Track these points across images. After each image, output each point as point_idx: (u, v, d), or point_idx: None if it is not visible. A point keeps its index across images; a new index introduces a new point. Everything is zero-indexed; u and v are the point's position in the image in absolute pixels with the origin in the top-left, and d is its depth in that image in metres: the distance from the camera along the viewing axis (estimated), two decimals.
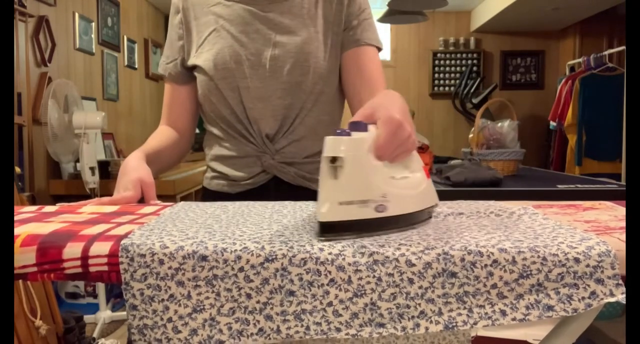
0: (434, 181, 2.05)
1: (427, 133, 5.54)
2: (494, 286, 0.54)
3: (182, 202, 0.87)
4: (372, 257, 0.54)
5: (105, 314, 2.69)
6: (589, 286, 0.53)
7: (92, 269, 0.55)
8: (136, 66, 4.41)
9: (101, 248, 0.55)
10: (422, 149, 2.24)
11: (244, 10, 1.03)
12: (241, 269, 0.53)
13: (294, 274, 0.53)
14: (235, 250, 0.54)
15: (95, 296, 2.87)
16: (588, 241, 0.56)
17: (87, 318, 2.48)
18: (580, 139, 4.24)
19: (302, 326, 0.53)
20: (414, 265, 0.53)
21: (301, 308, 0.53)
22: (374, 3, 4.54)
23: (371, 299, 0.53)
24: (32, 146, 2.78)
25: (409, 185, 0.66)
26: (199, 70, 1.05)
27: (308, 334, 0.53)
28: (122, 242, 0.55)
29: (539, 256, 0.54)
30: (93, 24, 3.59)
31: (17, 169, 2.44)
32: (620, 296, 0.53)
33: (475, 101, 5.26)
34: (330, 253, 0.54)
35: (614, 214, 0.75)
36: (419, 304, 0.53)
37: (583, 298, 0.53)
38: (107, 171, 3.00)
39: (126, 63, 4.18)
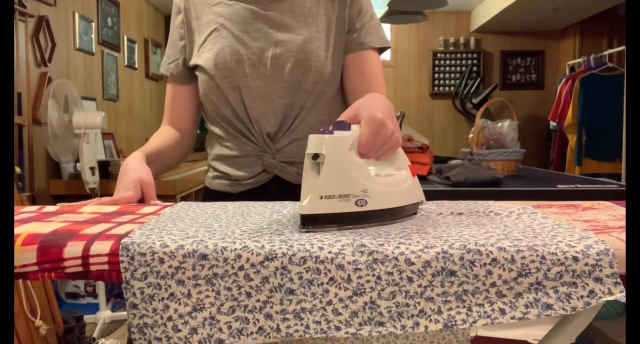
0: (434, 181, 2.05)
1: (427, 133, 5.53)
2: (493, 284, 0.54)
3: (182, 202, 0.87)
4: (371, 255, 0.54)
5: (105, 314, 2.69)
6: (587, 284, 0.53)
7: (92, 268, 0.55)
8: (136, 66, 4.41)
9: (102, 247, 0.55)
10: (422, 149, 2.24)
11: (245, 9, 1.03)
12: (241, 268, 0.54)
13: (293, 273, 0.53)
14: (235, 249, 0.54)
15: (95, 296, 2.87)
16: (587, 239, 0.56)
17: (87, 318, 2.48)
18: (580, 139, 4.24)
19: (301, 324, 0.53)
20: (413, 264, 0.54)
21: (301, 307, 0.53)
22: (374, 3, 4.53)
23: (371, 297, 0.53)
24: (32, 146, 2.78)
25: (393, 182, 0.70)
26: (200, 69, 1.06)
27: (308, 333, 0.53)
28: (123, 241, 0.56)
29: (537, 255, 0.54)
30: (93, 24, 3.59)
31: (17, 169, 2.44)
32: (618, 295, 0.53)
33: (475, 101, 5.27)
34: (330, 252, 0.54)
35: (613, 213, 0.75)
36: (419, 303, 0.53)
37: (582, 297, 0.53)
38: (107, 171, 3.00)
39: (126, 63, 4.19)
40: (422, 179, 2.13)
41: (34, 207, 0.79)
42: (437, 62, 5.71)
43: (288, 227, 0.64)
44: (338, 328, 0.53)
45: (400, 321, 0.53)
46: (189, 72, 1.10)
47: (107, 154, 3.55)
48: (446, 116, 5.76)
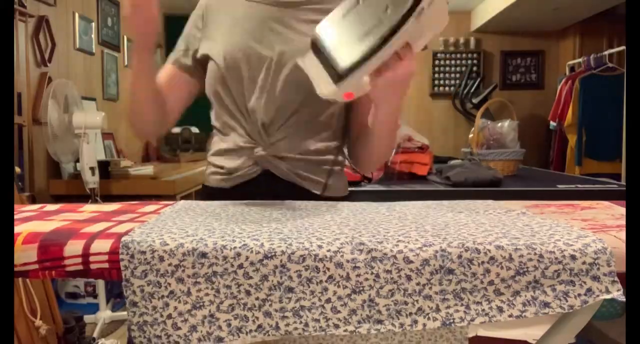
0: (434, 181, 2.06)
1: (427, 133, 5.51)
2: (491, 282, 0.54)
3: (182, 201, 0.87)
4: (370, 254, 0.54)
5: (105, 314, 2.69)
6: (585, 283, 0.54)
7: (93, 266, 0.55)
8: None
9: (102, 245, 0.56)
10: (422, 149, 2.24)
11: (262, 10, 1.07)
12: (240, 266, 0.54)
13: (292, 271, 0.54)
14: (235, 247, 0.54)
15: (95, 296, 2.87)
16: (584, 238, 0.57)
17: (87, 318, 2.48)
18: (580, 139, 4.24)
19: (300, 322, 0.54)
20: (411, 262, 0.54)
21: (300, 305, 0.54)
22: None
23: (369, 295, 0.54)
24: (32, 146, 2.78)
25: None
26: (210, 60, 1.09)
27: (307, 331, 0.53)
28: (123, 239, 0.56)
29: (535, 253, 0.54)
30: (93, 24, 3.59)
31: (17, 169, 2.44)
32: (616, 293, 0.53)
33: (475, 101, 5.26)
34: (328, 250, 0.54)
35: (611, 212, 0.75)
36: (417, 301, 0.54)
37: (579, 295, 0.53)
38: (107, 171, 3.00)
39: (126, 63, 4.19)
40: (422, 179, 2.13)
41: (35, 206, 0.79)
42: (437, 62, 5.71)
43: (287, 226, 0.64)
44: (337, 326, 0.53)
45: (398, 319, 0.54)
46: (196, 66, 1.12)
47: (107, 154, 3.55)
48: (446, 116, 5.76)
